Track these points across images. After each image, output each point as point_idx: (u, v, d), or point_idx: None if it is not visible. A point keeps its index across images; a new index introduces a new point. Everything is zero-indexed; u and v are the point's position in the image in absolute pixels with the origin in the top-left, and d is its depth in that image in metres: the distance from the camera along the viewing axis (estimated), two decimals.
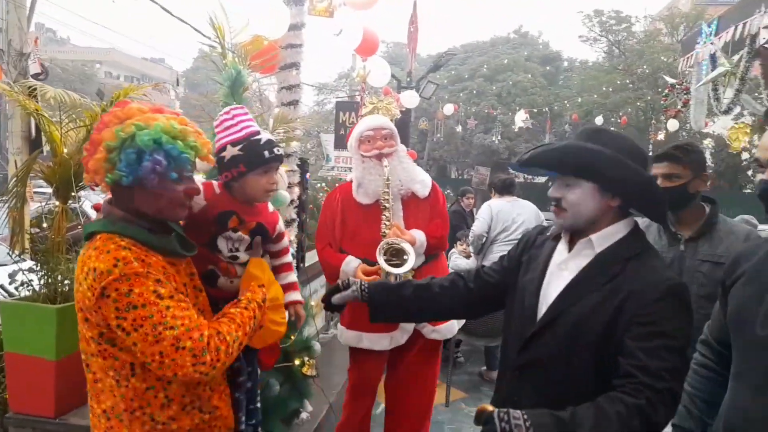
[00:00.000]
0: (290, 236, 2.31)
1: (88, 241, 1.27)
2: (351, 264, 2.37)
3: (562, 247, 1.47)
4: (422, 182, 2.49)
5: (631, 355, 1.23)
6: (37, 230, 3.27)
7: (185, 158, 1.23)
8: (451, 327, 2.54)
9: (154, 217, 1.29)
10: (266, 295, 1.47)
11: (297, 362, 2.05)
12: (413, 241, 2.32)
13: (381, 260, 2.21)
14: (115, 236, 1.23)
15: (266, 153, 1.51)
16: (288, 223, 2.94)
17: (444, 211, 2.59)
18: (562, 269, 1.43)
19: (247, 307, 1.40)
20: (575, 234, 1.43)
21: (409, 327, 2.42)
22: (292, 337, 2.02)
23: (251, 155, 1.49)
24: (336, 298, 1.59)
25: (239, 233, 1.57)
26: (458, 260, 4.74)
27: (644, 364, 1.20)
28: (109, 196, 1.30)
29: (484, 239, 4.54)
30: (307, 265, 3.70)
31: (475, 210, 6.20)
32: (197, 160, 1.35)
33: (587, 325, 1.31)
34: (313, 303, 3.14)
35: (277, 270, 1.76)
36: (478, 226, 4.58)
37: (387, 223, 2.33)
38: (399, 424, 2.54)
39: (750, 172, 23.59)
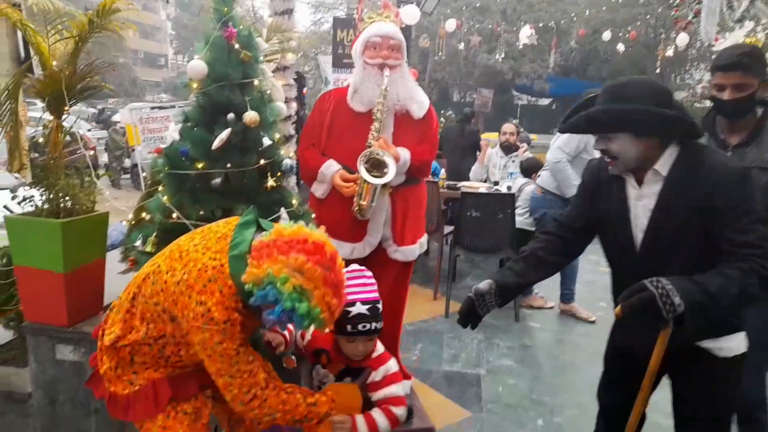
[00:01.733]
0: (289, 152, 2.28)
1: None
2: (331, 168, 2.35)
3: (630, 183, 1.62)
4: (420, 103, 2.43)
5: (728, 240, 1.45)
6: (36, 155, 3.24)
7: (302, 326, 1.33)
8: (413, 251, 2.53)
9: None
10: (330, 414, 1.53)
11: None
12: (397, 157, 2.29)
13: (361, 168, 2.20)
14: (235, 286, 1.37)
15: (349, 327, 1.62)
16: (286, 139, 2.90)
17: (435, 137, 2.54)
18: (640, 199, 1.60)
19: (308, 409, 1.50)
20: (637, 171, 1.58)
21: (373, 241, 2.43)
22: None
23: (338, 324, 1.59)
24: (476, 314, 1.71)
25: (326, 371, 1.71)
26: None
27: (742, 241, 1.43)
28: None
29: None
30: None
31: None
32: None
33: (689, 229, 1.51)
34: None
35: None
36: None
37: (375, 134, 2.29)
38: None
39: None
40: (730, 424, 1.67)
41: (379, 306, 1.68)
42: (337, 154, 2.38)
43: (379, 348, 1.74)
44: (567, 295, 4.25)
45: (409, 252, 2.51)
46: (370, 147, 2.26)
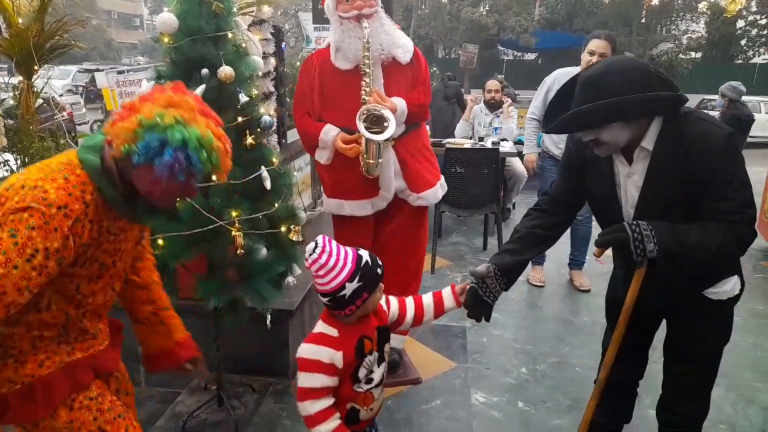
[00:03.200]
0: (269, 110, 2.24)
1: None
2: (330, 132, 2.33)
3: (619, 161, 1.63)
4: (404, 46, 2.38)
5: (711, 209, 1.48)
6: (10, 121, 3.16)
7: (201, 170, 1.19)
8: (435, 193, 2.56)
9: (141, 195, 1.25)
10: None
11: (283, 228, 2.10)
12: (394, 108, 2.27)
13: (361, 127, 2.18)
14: (86, 175, 1.19)
15: (379, 270, 1.43)
16: (266, 96, 2.85)
17: (427, 78, 2.50)
18: (630, 176, 1.61)
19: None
20: (625, 149, 1.58)
21: (389, 195, 2.45)
22: (276, 204, 2.04)
23: (370, 280, 1.40)
24: (484, 303, 1.65)
25: (374, 353, 1.50)
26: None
27: (723, 209, 1.46)
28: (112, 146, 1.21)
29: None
30: (289, 141, 3.66)
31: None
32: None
33: (678, 196, 1.52)
34: (298, 178, 3.15)
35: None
36: None
37: (367, 89, 2.26)
38: (386, 284, 2.67)
39: (743, 42, 22.95)
40: (719, 362, 1.75)
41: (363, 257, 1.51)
42: (333, 117, 2.35)
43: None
44: (572, 263, 4.10)
45: (432, 196, 2.53)
46: (365, 104, 2.23)
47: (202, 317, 2.44)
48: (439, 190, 2.59)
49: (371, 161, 2.28)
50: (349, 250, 1.42)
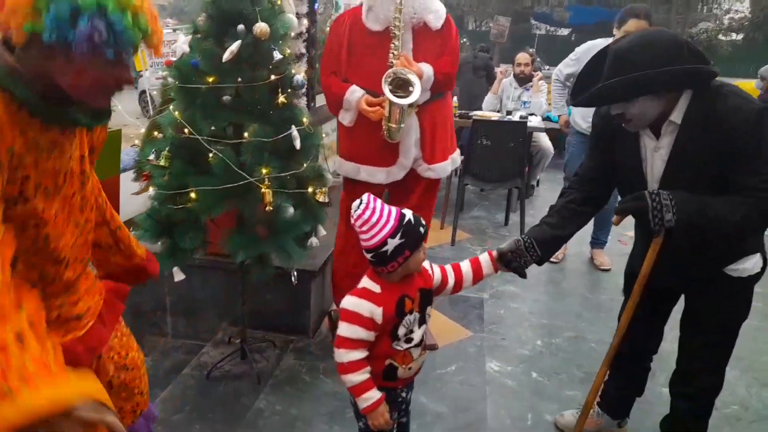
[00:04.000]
0: (300, 71, 2.25)
1: None
2: (355, 93, 2.33)
3: (647, 134, 1.62)
4: (436, 12, 2.35)
5: (736, 183, 1.46)
6: None
7: (129, 38, 0.96)
8: (445, 167, 2.55)
9: (66, 92, 1.01)
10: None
11: (310, 189, 2.13)
12: (420, 74, 2.25)
13: (386, 90, 2.17)
14: None
15: (421, 229, 1.44)
16: (297, 57, 2.85)
17: (456, 47, 2.47)
18: (657, 150, 1.60)
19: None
20: (653, 124, 1.56)
21: (407, 163, 2.45)
22: (305, 164, 2.07)
23: (412, 238, 1.41)
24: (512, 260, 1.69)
25: (414, 313, 1.50)
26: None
27: (750, 184, 1.44)
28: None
29: None
30: (317, 105, 3.67)
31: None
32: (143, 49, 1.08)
33: (704, 171, 1.51)
34: (325, 143, 3.16)
35: None
36: None
37: (395, 52, 2.24)
38: None
39: None
40: (735, 337, 1.75)
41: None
42: (359, 78, 2.34)
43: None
44: (593, 242, 4.07)
45: (441, 169, 2.53)
46: (392, 67, 2.23)
47: (229, 273, 2.53)
48: (449, 165, 2.58)
49: (393, 125, 2.28)
50: (393, 208, 1.45)
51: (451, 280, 1.64)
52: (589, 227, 4.03)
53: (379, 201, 1.45)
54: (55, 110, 1.02)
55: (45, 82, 0.98)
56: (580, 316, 3.20)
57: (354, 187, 2.55)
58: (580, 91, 1.63)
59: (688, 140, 1.52)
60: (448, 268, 1.65)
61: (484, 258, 1.67)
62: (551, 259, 3.97)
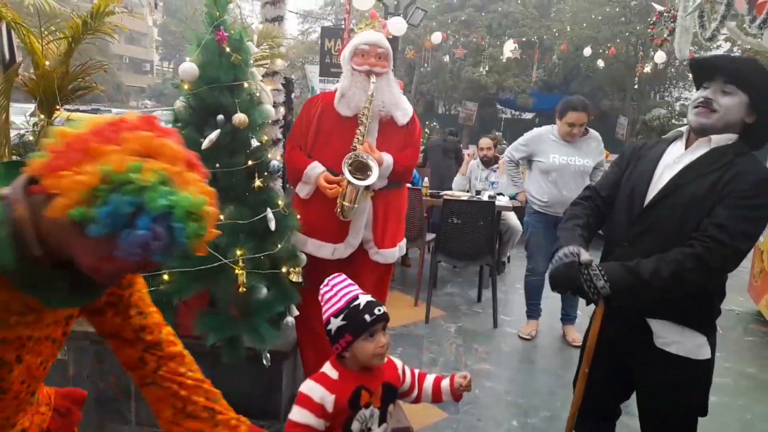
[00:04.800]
0: (277, 156, 2.35)
1: None
2: (316, 169, 2.41)
3: (678, 146, 1.70)
4: (404, 110, 2.52)
5: (715, 216, 1.49)
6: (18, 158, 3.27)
7: (183, 245, 0.82)
8: (393, 253, 2.61)
9: (70, 266, 0.84)
10: None
11: (284, 269, 2.16)
12: (381, 161, 2.38)
13: (346, 170, 2.27)
14: None
15: (367, 317, 1.41)
16: (274, 142, 2.97)
17: (418, 143, 2.63)
18: (677, 162, 1.65)
19: None
20: (700, 135, 1.63)
21: (354, 242, 2.49)
22: (279, 245, 2.11)
23: (354, 323, 1.41)
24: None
25: (371, 408, 1.44)
26: None
27: (721, 223, 1.47)
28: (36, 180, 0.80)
29: None
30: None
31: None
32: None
33: (701, 202, 1.53)
34: None
35: None
36: None
37: (360, 138, 2.37)
38: None
39: None
40: (693, 426, 1.72)
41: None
42: (322, 157, 2.44)
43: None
44: (564, 318, 4.11)
45: (389, 254, 2.58)
46: (355, 150, 2.34)
47: (198, 356, 2.45)
48: (397, 252, 2.64)
49: (348, 204, 2.35)
50: (353, 290, 1.47)
51: (416, 393, 1.60)
52: (559, 303, 4.13)
53: (345, 281, 1.48)
54: (42, 281, 0.85)
55: (49, 250, 0.82)
56: (554, 394, 3.19)
57: (309, 260, 2.53)
58: (697, 62, 1.68)
59: (707, 165, 1.57)
60: (417, 377, 1.61)
61: (445, 385, 1.60)
62: (524, 336, 4.05)
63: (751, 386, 3.42)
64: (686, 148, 1.66)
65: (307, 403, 1.40)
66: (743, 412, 3.08)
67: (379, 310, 1.43)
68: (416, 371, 1.62)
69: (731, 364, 3.73)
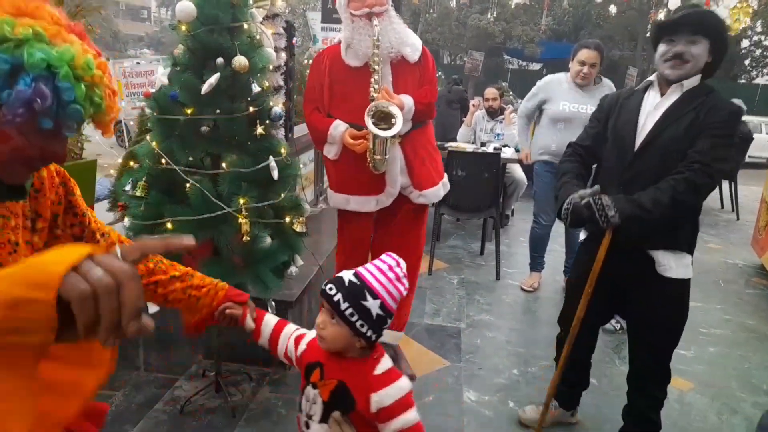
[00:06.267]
0: (279, 103, 2.29)
1: None
2: (339, 128, 2.38)
3: (653, 94, 1.96)
4: (412, 45, 2.43)
5: (699, 147, 1.78)
6: None
7: (76, 112, 0.78)
8: (437, 192, 2.61)
9: None
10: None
11: (287, 219, 2.14)
12: (402, 106, 2.32)
13: (369, 123, 2.23)
14: None
15: (327, 289, 1.26)
16: (275, 89, 2.89)
17: (433, 77, 2.56)
18: (656, 109, 1.91)
19: None
20: (677, 80, 1.88)
21: (394, 191, 2.50)
22: (282, 195, 2.09)
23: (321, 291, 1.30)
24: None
25: (316, 391, 1.29)
26: None
27: (704, 150, 1.76)
28: None
29: None
30: (295, 136, 3.71)
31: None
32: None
33: (682, 140, 1.81)
34: (302, 173, 3.19)
35: None
36: None
37: (376, 86, 2.31)
38: None
39: (747, 62, 23.11)
40: (677, 338, 2.03)
41: (369, 300, 1.24)
42: (342, 113, 2.39)
43: (385, 363, 1.30)
44: (567, 270, 4.10)
45: (433, 194, 2.58)
46: (373, 100, 2.28)
47: None
48: (441, 189, 2.64)
49: (378, 157, 2.32)
50: (372, 267, 1.30)
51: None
52: (561, 256, 4.13)
53: (392, 266, 1.29)
54: None
55: None
56: (554, 343, 3.23)
57: (346, 218, 2.60)
58: (662, 24, 1.92)
59: (682, 107, 1.84)
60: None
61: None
62: (526, 288, 4.08)
63: (750, 338, 3.46)
64: (662, 95, 1.92)
65: (297, 333, 1.42)
66: (741, 361, 3.12)
67: (330, 290, 1.25)
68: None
69: (731, 317, 3.77)
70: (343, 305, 1.23)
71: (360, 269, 1.29)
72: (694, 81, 1.87)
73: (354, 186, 2.48)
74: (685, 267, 1.93)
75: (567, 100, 3.64)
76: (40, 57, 0.73)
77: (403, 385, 1.27)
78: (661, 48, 1.89)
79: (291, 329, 1.43)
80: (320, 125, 2.43)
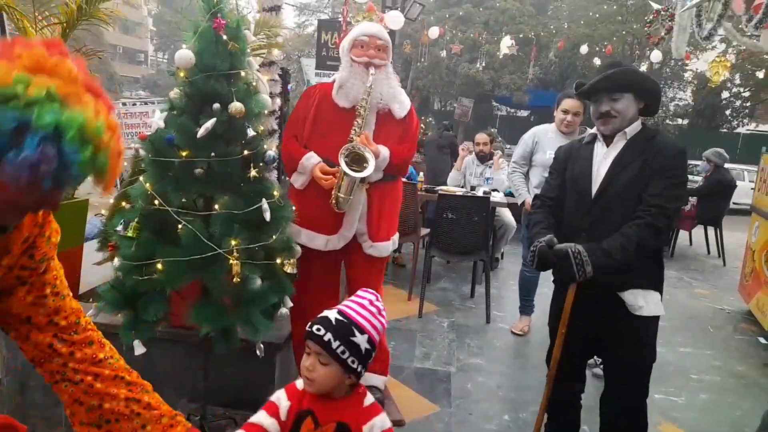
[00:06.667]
0: (272, 147, 2.33)
1: None
2: (311, 159, 2.41)
3: (599, 146, 2.10)
4: (402, 103, 2.51)
5: (651, 190, 1.89)
6: None
7: (78, 174, 0.78)
8: (387, 247, 2.60)
9: None
10: None
11: (279, 260, 2.15)
12: (377, 153, 2.36)
13: (342, 161, 2.27)
14: None
15: (307, 326, 1.27)
16: (269, 133, 2.95)
17: (415, 137, 2.62)
18: (605, 158, 2.05)
19: None
20: (611, 136, 2.04)
21: (348, 234, 2.49)
22: (274, 236, 2.10)
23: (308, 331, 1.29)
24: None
25: None
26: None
27: (659, 192, 1.88)
28: None
29: None
30: (287, 179, 3.74)
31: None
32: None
33: (635, 184, 1.93)
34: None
35: None
36: None
37: (357, 130, 2.36)
38: None
39: (728, 112, 23.84)
40: (648, 375, 2.07)
41: (358, 336, 1.26)
42: (318, 147, 2.43)
43: (370, 396, 1.36)
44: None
45: (383, 248, 2.58)
46: (351, 142, 2.33)
47: (191, 347, 2.45)
48: (390, 245, 2.64)
49: (342, 196, 2.35)
50: (352, 305, 1.32)
51: None
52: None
53: (369, 293, 1.34)
54: None
55: None
56: None
57: (303, 251, 2.49)
58: (581, 85, 2.10)
59: (631, 152, 1.98)
60: None
61: None
62: (516, 332, 4.06)
63: (740, 384, 3.45)
64: (608, 146, 2.06)
65: (266, 404, 1.33)
66: (732, 409, 3.10)
67: (318, 330, 1.25)
68: None
69: (721, 363, 3.76)
70: (334, 344, 1.23)
71: (342, 307, 1.31)
72: (635, 127, 2.02)
73: (309, 220, 2.48)
74: (656, 304, 2.01)
75: (553, 149, 3.74)
76: (49, 120, 0.73)
77: (386, 418, 1.32)
78: (591, 108, 2.07)
79: (263, 420, 1.31)
80: (295, 153, 2.46)
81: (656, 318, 2.03)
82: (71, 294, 1.06)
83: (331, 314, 1.28)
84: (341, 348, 1.24)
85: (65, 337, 1.00)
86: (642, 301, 1.98)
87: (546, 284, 4.45)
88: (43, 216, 0.99)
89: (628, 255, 1.86)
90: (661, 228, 1.88)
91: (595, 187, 2.03)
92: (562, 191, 2.18)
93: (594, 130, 2.14)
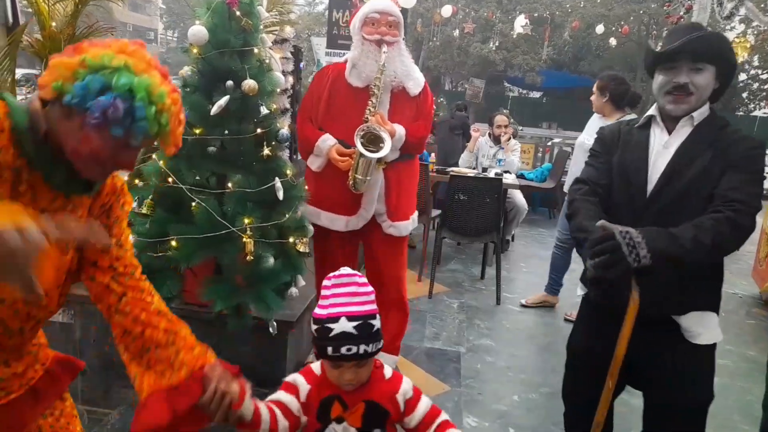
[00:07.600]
0: (285, 125, 2.32)
1: None
2: (327, 142, 2.40)
3: (657, 132, 1.69)
4: (416, 80, 2.48)
5: (721, 195, 1.52)
6: None
7: (143, 127, 0.97)
8: (407, 226, 2.61)
9: (64, 154, 1.00)
10: None
11: (291, 239, 2.15)
12: (393, 133, 2.35)
13: (358, 142, 2.26)
14: (5, 112, 0.98)
15: (330, 350, 1.22)
16: (282, 112, 2.93)
17: (430, 113, 2.60)
18: (666, 147, 1.65)
19: None
20: (675, 120, 1.65)
21: (367, 214, 2.49)
22: (287, 215, 2.11)
23: (319, 344, 1.25)
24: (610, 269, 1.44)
25: (343, 424, 1.25)
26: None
27: (730, 197, 1.50)
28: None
29: None
30: (300, 158, 3.74)
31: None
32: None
33: (702, 181, 1.56)
34: None
35: None
36: None
37: (372, 109, 2.34)
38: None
39: (745, 95, 23.42)
40: (703, 420, 1.71)
41: (374, 323, 1.26)
42: (333, 129, 2.42)
43: (387, 368, 1.37)
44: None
45: (403, 227, 2.58)
46: (366, 122, 2.31)
47: (204, 323, 2.48)
48: (410, 224, 2.64)
49: (360, 177, 2.35)
50: (345, 305, 1.27)
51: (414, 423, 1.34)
52: (566, 282, 4.14)
53: (347, 284, 1.28)
54: (49, 168, 1.01)
55: (54, 141, 0.99)
56: (555, 370, 3.21)
57: (319, 232, 2.55)
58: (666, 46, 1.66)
59: (697, 144, 1.60)
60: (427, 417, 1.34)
61: None
62: (527, 304, 4.09)
63: (751, 369, 3.44)
64: (669, 131, 1.67)
65: (283, 384, 1.33)
66: (743, 393, 3.10)
67: (349, 350, 1.21)
68: (435, 413, 1.35)
69: (733, 347, 3.75)
70: (368, 348, 1.24)
71: (343, 309, 1.25)
72: (703, 112, 1.63)
73: (328, 202, 2.49)
74: (715, 329, 1.66)
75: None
76: (123, 81, 0.95)
77: (410, 381, 1.37)
78: (660, 78, 1.63)
79: (283, 397, 1.32)
80: (310, 135, 2.46)
81: (714, 346, 1.68)
82: (133, 252, 1.25)
83: (345, 325, 1.23)
84: (372, 345, 1.25)
85: (121, 280, 1.18)
86: (701, 327, 1.63)
87: (577, 262, 4.45)
88: (121, 188, 1.21)
89: (701, 248, 1.43)
90: (746, 227, 1.48)
91: (651, 184, 1.63)
92: (611, 180, 1.73)
93: (652, 111, 1.73)
